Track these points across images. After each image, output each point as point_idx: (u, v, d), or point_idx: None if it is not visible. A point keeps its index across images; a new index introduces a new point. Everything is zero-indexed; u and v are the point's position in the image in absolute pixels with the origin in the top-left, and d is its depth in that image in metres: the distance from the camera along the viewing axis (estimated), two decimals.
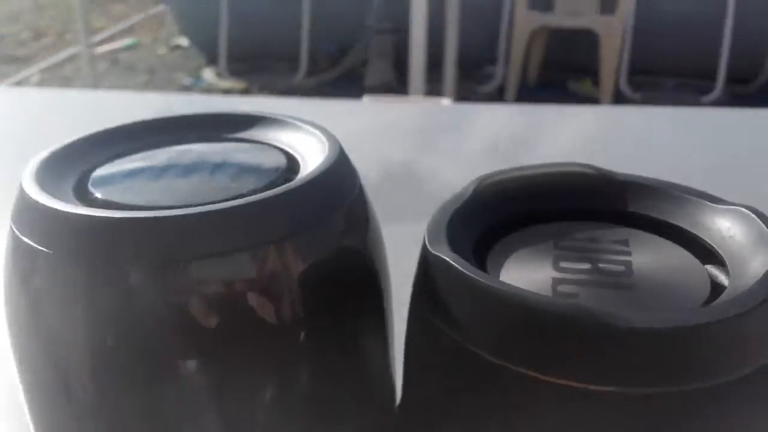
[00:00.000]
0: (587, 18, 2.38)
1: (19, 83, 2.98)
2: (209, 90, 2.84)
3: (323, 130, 0.20)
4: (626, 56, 2.42)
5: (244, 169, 0.19)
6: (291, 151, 0.21)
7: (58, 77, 3.15)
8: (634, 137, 0.62)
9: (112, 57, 3.39)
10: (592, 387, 0.14)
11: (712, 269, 0.18)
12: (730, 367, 0.15)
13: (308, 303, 0.18)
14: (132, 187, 0.19)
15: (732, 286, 0.17)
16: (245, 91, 2.74)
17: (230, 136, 0.22)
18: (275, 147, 0.21)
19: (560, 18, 2.41)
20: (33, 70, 3.20)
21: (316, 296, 0.18)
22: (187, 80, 3.03)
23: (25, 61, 3.36)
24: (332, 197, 0.18)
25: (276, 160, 0.20)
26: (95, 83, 2.71)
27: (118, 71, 3.21)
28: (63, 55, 3.39)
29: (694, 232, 0.19)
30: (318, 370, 0.19)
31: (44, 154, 0.20)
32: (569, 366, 0.15)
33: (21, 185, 0.18)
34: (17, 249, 0.18)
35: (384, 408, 0.21)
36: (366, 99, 0.77)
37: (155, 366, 0.17)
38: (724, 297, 0.16)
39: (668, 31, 2.39)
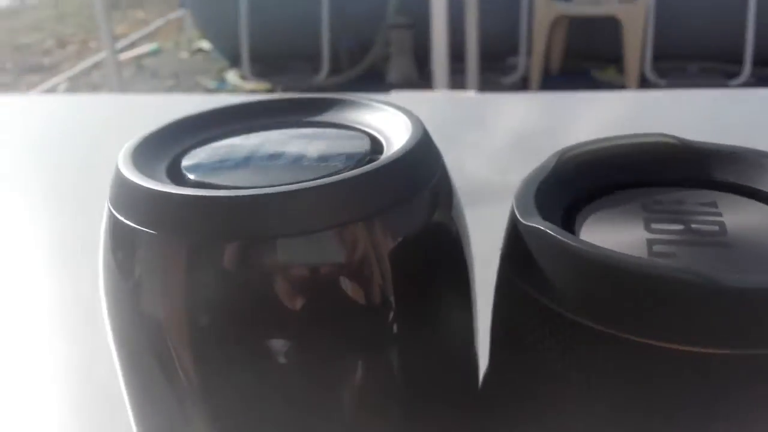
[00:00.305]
0: (608, 5, 2.36)
1: (47, 91, 3.02)
2: (234, 92, 2.86)
3: (406, 112, 0.21)
4: (650, 42, 2.40)
5: (331, 151, 0.20)
6: (374, 133, 0.21)
7: (85, 84, 3.19)
8: (663, 122, 0.62)
9: (137, 63, 3.42)
10: (701, 350, 0.14)
11: None
12: None
13: (397, 280, 0.18)
14: (223, 169, 0.19)
15: None
16: (269, 92, 2.75)
17: (314, 119, 0.22)
18: (358, 129, 0.21)
19: (581, 6, 2.39)
20: (60, 78, 3.24)
21: (405, 273, 0.18)
22: (211, 83, 3.05)
23: (51, 69, 3.40)
24: (418, 176, 0.19)
25: (360, 142, 0.20)
26: (122, 89, 2.74)
27: (143, 77, 3.25)
28: (89, 62, 3.43)
29: None
30: (406, 348, 0.19)
31: (136, 139, 0.20)
32: (676, 329, 0.15)
33: (117, 168, 0.19)
34: (116, 230, 0.18)
35: (468, 386, 0.22)
36: (394, 93, 0.78)
37: (253, 344, 0.18)
38: None
39: (691, 15, 2.36)
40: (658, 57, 2.43)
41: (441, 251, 0.20)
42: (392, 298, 0.18)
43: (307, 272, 0.17)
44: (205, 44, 3.38)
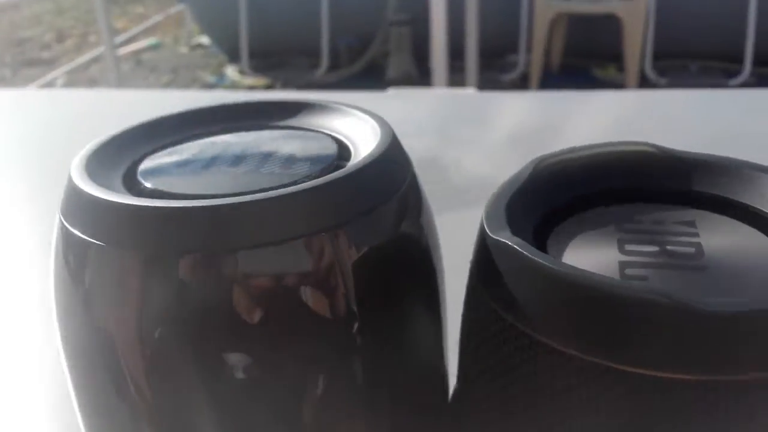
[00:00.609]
0: (609, 3, 2.35)
1: (45, 85, 3.01)
2: (233, 87, 2.86)
3: (375, 116, 0.20)
4: (650, 40, 2.39)
5: (295, 157, 0.19)
6: (341, 138, 0.20)
7: (83, 79, 3.18)
8: (663, 121, 0.61)
9: (136, 58, 3.41)
10: (670, 375, 0.14)
11: None
12: None
13: (363, 290, 0.17)
14: (182, 176, 0.19)
15: None
16: (268, 88, 2.75)
17: (279, 123, 0.21)
18: (325, 134, 0.21)
19: (581, 4, 2.38)
20: (58, 72, 3.23)
21: (371, 285, 0.18)
22: (210, 78, 3.04)
23: (50, 63, 3.39)
24: (386, 183, 0.18)
25: (327, 147, 0.19)
26: (120, 84, 2.73)
27: (142, 71, 3.24)
28: (87, 56, 3.42)
29: (764, 209, 0.18)
30: (371, 360, 0.18)
31: (92, 145, 0.19)
32: (645, 353, 0.14)
33: (70, 177, 0.18)
34: (67, 242, 0.18)
35: (437, 398, 0.21)
36: (391, 90, 0.77)
37: (208, 356, 0.17)
38: None
39: (692, 13, 2.35)
40: (658, 55, 2.42)
41: (408, 261, 0.19)
42: (357, 311, 0.18)
43: (267, 286, 0.17)
44: (205, 39, 3.37)
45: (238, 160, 0.19)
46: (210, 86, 2.94)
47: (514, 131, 0.62)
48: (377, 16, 2.66)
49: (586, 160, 0.19)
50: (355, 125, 0.20)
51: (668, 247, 0.17)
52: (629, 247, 0.17)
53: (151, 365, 0.17)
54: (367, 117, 0.20)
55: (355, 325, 0.18)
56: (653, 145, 0.20)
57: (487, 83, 2.44)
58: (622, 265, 0.16)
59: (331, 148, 0.19)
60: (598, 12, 2.37)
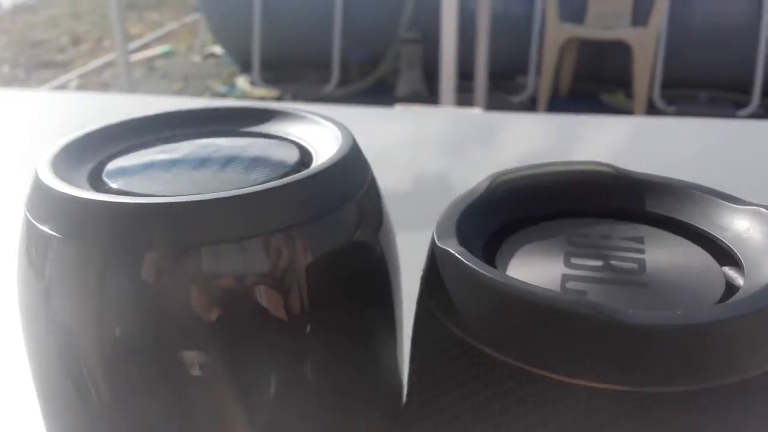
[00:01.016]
0: (619, 30, 2.36)
1: (58, 88, 3.04)
2: (243, 97, 2.87)
3: (337, 123, 0.21)
4: (659, 68, 2.40)
5: (257, 161, 0.19)
6: (305, 144, 0.21)
7: (96, 83, 3.21)
8: (668, 148, 0.61)
9: (149, 64, 3.44)
10: (598, 385, 0.14)
11: (728, 270, 0.17)
12: (739, 367, 0.14)
13: (317, 293, 0.18)
14: (145, 177, 0.19)
15: (746, 286, 0.16)
16: (278, 99, 2.76)
17: (245, 129, 0.22)
18: (289, 140, 0.21)
19: (592, 30, 2.40)
20: (72, 75, 3.26)
21: (326, 285, 0.18)
22: (221, 88, 3.06)
23: (64, 66, 3.43)
24: (343, 188, 0.19)
25: (289, 153, 0.20)
26: (131, 89, 2.75)
27: (154, 78, 3.27)
28: (101, 61, 3.45)
29: (711, 232, 0.19)
30: (323, 365, 0.19)
31: (60, 143, 0.20)
32: (573, 363, 0.14)
33: (36, 172, 0.18)
34: (31, 236, 0.18)
35: (391, 404, 0.21)
36: (398, 107, 0.77)
37: (167, 354, 0.17)
38: (736, 297, 0.16)
39: (702, 43, 2.36)
40: (667, 83, 2.43)
41: (364, 266, 0.19)
42: (310, 312, 0.18)
43: (224, 284, 0.17)
44: (217, 49, 3.40)
45: (201, 163, 0.20)
46: (220, 95, 2.96)
47: (519, 152, 0.62)
48: (389, 33, 2.68)
49: (542, 177, 0.20)
50: (318, 132, 0.21)
51: (612, 262, 0.17)
52: (575, 261, 0.17)
53: (107, 361, 0.18)
54: (329, 124, 0.21)
55: (308, 327, 0.18)
56: (609, 165, 0.20)
57: (496, 104, 2.45)
58: (565, 278, 0.17)
59: (293, 154, 0.20)
60: (608, 38, 2.38)
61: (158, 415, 0.18)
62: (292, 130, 0.21)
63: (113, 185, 0.19)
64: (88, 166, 0.20)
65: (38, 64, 3.47)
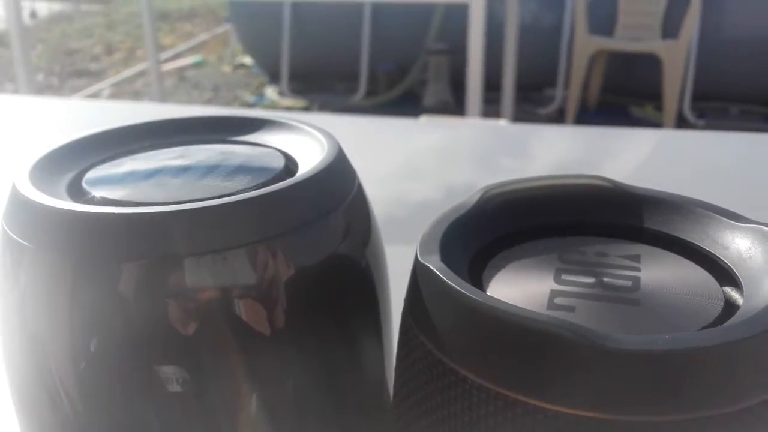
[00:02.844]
0: (650, 42, 2.33)
1: (91, 96, 3.09)
2: (271, 107, 2.89)
3: (323, 132, 0.20)
4: (690, 81, 2.36)
5: (240, 170, 0.19)
6: (290, 153, 0.20)
7: (128, 92, 3.25)
8: (698, 162, 0.60)
9: (180, 74, 3.49)
10: (580, 413, 0.13)
11: (728, 290, 0.17)
12: (726, 398, 0.13)
13: (299, 305, 0.17)
14: (126, 186, 0.19)
15: (744, 309, 0.16)
16: (305, 110, 2.78)
17: (230, 138, 0.22)
18: (273, 149, 0.21)
19: (621, 42, 2.37)
20: (104, 84, 3.31)
21: (309, 298, 0.18)
22: (250, 98, 3.09)
23: (97, 75, 3.48)
24: (328, 197, 0.18)
25: (273, 162, 0.20)
26: (162, 98, 2.79)
27: (185, 87, 3.30)
28: (133, 70, 3.50)
29: (711, 251, 0.18)
30: (308, 377, 0.18)
31: (40, 153, 0.20)
32: (553, 389, 0.13)
33: (13, 183, 0.18)
34: (7, 246, 0.18)
35: (376, 422, 0.21)
36: (423, 118, 0.77)
37: (143, 368, 0.17)
38: (731, 320, 0.15)
39: (734, 56, 2.32)
40: (697, 96, 2.39)
41: (350, 275, 0.19)
42: (293, 323, 0.17)
43: (201, 295, 0.17)
44: (247, 60, 3.43)
45: (182, 172, 0.19)
46: (249, 105, 2.98)
47: (545, 164, 0.61)
48: (417, 44, 2.68)
49: (536, 191, 0.19)
50: (304, 141, 0.20)
51: (605, 279, 0.17)
52: (566, 277, 0.17)
53: (82, 374, 0.17)
54: (316, 133, 0.20)
55: (290, 341, 0.18)
56: (606, 179, 0.19)
57: (523, 116, 2.44)
58: (553, 294, 0.16)
59: (277, 163, 0.19)
60: (638, 51, 2.35)
61: (133, 429, 0.18)
62: (278, 139, 0.21)
63: (92, 194, 0.18)
64: (69, 176, 0.19)
65: (72, 72, 3.54)
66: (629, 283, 0.16)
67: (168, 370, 0.17)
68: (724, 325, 0.14)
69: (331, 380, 0.19)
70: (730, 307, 0.16)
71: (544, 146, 0.67)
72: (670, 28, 2.31)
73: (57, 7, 4.72)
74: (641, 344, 0.13)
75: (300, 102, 2.88)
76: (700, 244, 0.18)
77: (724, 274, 0.17)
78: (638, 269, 0.17)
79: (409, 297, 0.17)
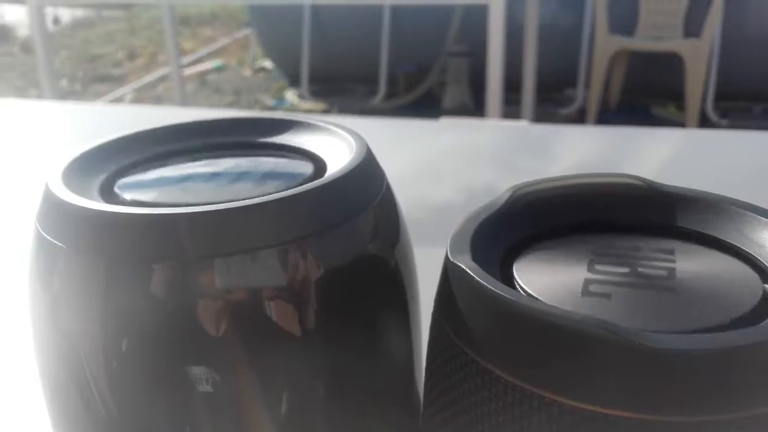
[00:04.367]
0: (671, 41, 2.31)
1: (113, 101, 3.12)
2: (291, 110, 2.91)
3: (352, 133, 0.20)
4: (713, 80, 2.34)
5: (270, 172, 0.19)
6: (318, 154, 0.20)
7: (150, 96, 3.28)
8: (721, 162, 0.59)
9: (201, 78, 3.51)
10: (616, 413, 0.13)
11: (766, 286, 0.16)
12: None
13: (329, 305, 0.17)
14: (157, 189, 0.19)
15: None
16: (325, 112, 2.79)
17: (260, 140, 0.22)
18: (303, 151, 0.21)
19: (643, 41, 2.35)
20: (127, 89, 3.34)
21: (338, 298, 0.18)
22: (270, 101, 3.11)
23: (120, 80, 3.52)
24: (356, 198, 0.18)
25: (303, 163, 0.20)
26: (184, 102, 2.81)
27: (206, 92, 3.33)
28: (154, 75, 3.53)
29: (746, 249, 0.18)
30: (338, 378, 0.18)
31: (73, 154, 0.20)
32: (588, 389, 0.13)
33: (46, 184, 0.18)
34: (40, 247, 0.18)
35: (407, 424, 0.21)
36: (443, 120, 0.77)
37: (175, 368, 0.17)
38: None
39: (757, 55, 2.29)
40: (720, 96, 2.36)
41: (378, 277, 0.19)
42: (324, 323, 0.17)
43: (233, 296, 0.17)
44: (268, 63, 3.45)
45: (214, 175, 0.19)
46: (270, 109, 3.00)
47: (566, 164, 0.61)
48: (436, 46, 2.68)
49: (567, 190, 0.19)
50: (333, 142, 0.20)
51: (640, 269, 0.16)
52: (599, 267, 0.16)
53: (115, 374, 0.17)
54: (344, 134, 0.20)
55: (321, 341, 0.18)
56: (638, 178, 0.19)
57: (544, 117, 2.43)
58: (587, 283, 0.16)
59: (307, 164, 0.19)
60: (660, 50, 2.33)
61: (163, 428, 0.18)
62: (307, 141, 0.21)
63: (124, 197, 0.18)
64: (101, 178, 0.20)
65: (95, 77, 3.58)
66: (664, 273, 0.16)
67: (198, 370, 0.17)
68: (765, 323, 0.14)
69: (360, 381, 0.19)
70: (766, 300, 0.16)
71: (566, 147, 0.67)
72: (692, 27, 2.28)
73: (79, 13, 4.77)
74: (681, 344, 0.13)
75: (320, 105, 2.89)
76: (734, 242, 0.18)
77: (760, 271, 0.17)
78: (673, 261, 0.17)
79: (440, 297, 0.17)
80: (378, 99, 2.80)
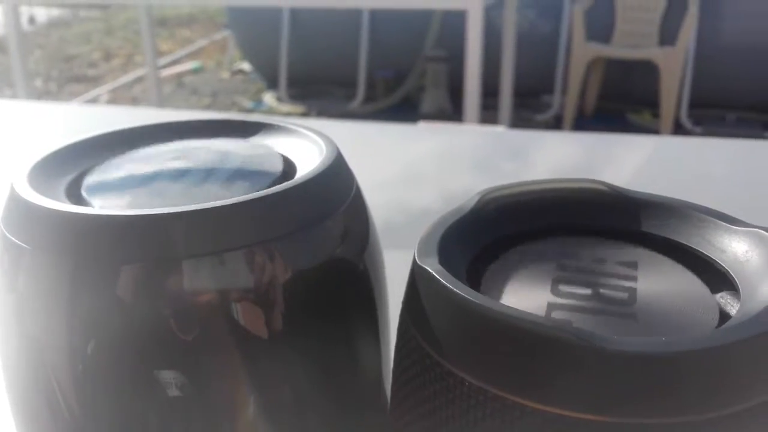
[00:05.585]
0: (647, 49, 2.34)
1: (89, 101, 3.09)
2: (269, 113, 2.90)
3: (321, 135, 0.20)
4: (687, 88, 2.37)
5: (238, 174, 0.19)
6: (289, 156, 0.20)
7: (126, 97, 3.25)
8: (694, 169, 0.60)
9: (178, 80, 3.49)
10: (578, 415, 0.13)
11: (722, 298, 0.17)
12: (724, 400, 0.13)
13: (300, 305, 0.17)
14: (124, 188, 0.19)
15: (741, 312, 0.16)
16: (304, 116, 2.78)
17: (230, 141, 0.22)
18: (272, 152, 0.21)
19: (618, 49, 2.38)
20: (103, 90, 3.31)
21: (310, 297, 0.18)
22: (248, 104, 3.09)
23: (95, 80, 3.48)
24: (326, 201, 0.18)
25: (272, 165, 0.20)
26: (161, 104, 2.79)
27: (183, 93, 3.31)
28: (131, 76, 3.50)
29: (708, 255, 0.18)
30: (306, 381, 0.18)
31: (38, 156, 0.20)
32: (551, 391, 0.13)
33: (11, 185, 0.18)
34: (5, 249, 0.18)
35: (375, 421, 0.21)
36: (421, 124, 0.77)
37: (141, 371, 0.17)
38: (728, 323, 0.15)
39: (731, 63, 2.33)
40: (694, 104, 2.40)
41: (346, 283, 0.19)
42: (288, 330, 0.17)
43: (199, 298, 0.17)
44: (246, 66, 3.44)
45: (181, 175, 0.19)
46: (247, 111, 2.98)
47: (543, 170, 0.62)
48: (415, 50, 2.69)
49: (534, 194, 0.19)
50: (302, 144, 0.20)
51: (601, 291, 0.16)
52: (562, 288, 0.17)
53: (79, 377, 0.17)
54: (314, 136, 0.20)
55: (288, 344, 0.18)
56: (604, 183, 0.19)
57: (521, 123, 2.44)
58: (551, 308, 0.16)
59: (276, 166, 0.19)
60: (635, 58, 2.36)
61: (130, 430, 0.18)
62: (276, 142, 0.21)
63: (90, 196, 0.18)
64: (67, 179, 0.19)
65: (70, 78, 3.54)
66: (625, 296, 0.16)
67: (164, 373, 0.17)
68: (721, 327, 0.15)
69: (329, 383, 0.19)
70: (724, 315, 0.16)
71: (541, 152, 0.67)
72: (667, 36, 2.31)
73: (55, 12, 4.72)
74: (639, 346, 0.13)
75: (298, 108, 2.88)
76: (697, 248, 0.18)
77: (720, 278, 0.17)
78: (635, 278, 0.17)
79: (407, 300, 0.17)
80: (356, 103, 2.80)
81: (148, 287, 0.16)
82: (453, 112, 2.64)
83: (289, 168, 0.19)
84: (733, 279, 0.17)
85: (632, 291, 0.17)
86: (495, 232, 0.19)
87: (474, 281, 0.17)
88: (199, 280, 0.17)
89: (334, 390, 0.19)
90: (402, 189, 0.53)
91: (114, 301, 0.16)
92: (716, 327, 0.15)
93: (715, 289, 0.17)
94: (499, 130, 0.83)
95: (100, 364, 0.17)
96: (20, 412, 0.19)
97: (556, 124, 2.57)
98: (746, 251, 0.17)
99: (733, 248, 0.18)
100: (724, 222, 0.18)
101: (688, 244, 0.18)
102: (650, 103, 2.43)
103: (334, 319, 0.18)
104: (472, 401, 0.14)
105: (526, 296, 0.16)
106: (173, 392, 0.17)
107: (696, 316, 0.16)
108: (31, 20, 4.45)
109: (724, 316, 0.16)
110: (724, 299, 0.17)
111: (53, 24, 4.59)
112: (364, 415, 0.20)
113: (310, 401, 0.18)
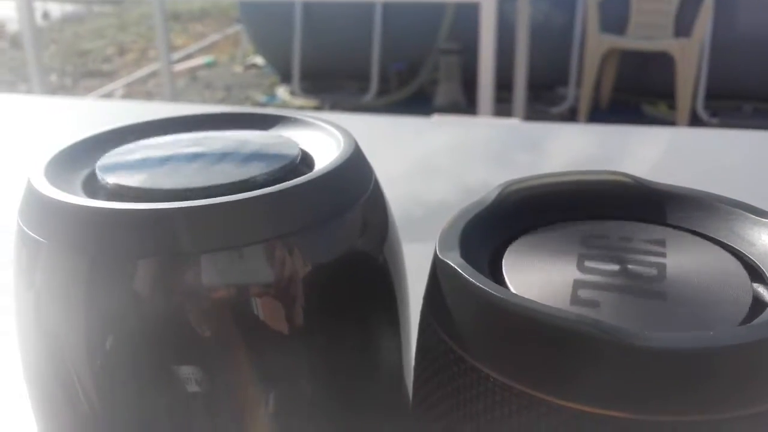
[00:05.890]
0: (662, 41, 2.32)
1: (104, 96, 3.10)
2: (283, 107, 2.90)
3: (339, 128, 0.20)
4: (703, 79, 2.34)
5: (258, 164, 0.19)
6: (307, 149, 0.20)
7: (140, 92, 3.26)
8: (711, 160, 0.59)
9: (192, 74, 3.49)
10: (603, 412, 0.13)
11: (756, 286, 0.16)
12: (754, 397, 0.13)
13: (319, 299, 0.17)
14: (143, 184, 0.19)
15: None
16: (317, 109, 2.78)
17: (248, 134, 0.21)
18: (291, 145, 0.20)
19: (633, 41, 2.36)
20: (117, 85, 3.33)
21: (329, 291, 0.18)
22: (261, 98, 3.10)
23: (110, 75, 3.50)
24: (345, 193, 0.18)
25: (290, 157, 0.19)
26: (175, 98, 2.80)
27: (197, 88, 3.31)
28: (145, 71, 3.51)
29: (737, 247, 0.17)
30: (326, 376, 0.18)
31: (55, 150, 0.19)
32: (576, 387, 0.13)
33: (28, 180, 0.18)
34: (22, 243, 0.18)
35: (397, 421, 0.20)
36: (435, 117, 0.77)
37: (158, 365, 0.17)
38: (760, 318, 0.15)
39: (747, 54, 2.30)
40: (710, 95, 2.37)
41: (366, 276, 0.19)
42: (307, 324, 0.17)
43: (217, 292, 0.17)
44: (259, 60, 3.44)
45: (200, 170, 0.19)
46: (260, 105, 2.99)
47: (557, 162, 0.61)
48: (428, 43, 2.68)
49: (556, 187, 0.19)
50: (321, 138, 0.20)
51: (629, 267, 0.16)
52: (589, 264, 0.16)
53: (97, 371, 0.17)
54: (333, 130, 0.20)
55: (308, 335, 0.17)
56: (627, 175, 0.19)
57: (535, 115, 2.43)
58: (577, 285, 0.15)
59: (294, 159, 0.19)
60: (651, 49, 2.34)
61: (149, 426, 0.17)
62: (294, 135, 0.21)
63: (109, 192, 0.18)
64: (84, 173, 0.19)
65: (85, 73, 3.55)
66: (654, 272, 0.16)
67: (183, 367, 0.17)
68: (753, 323, 0.14)
69: (349, 378, 0.18)
70: (758, 302, 0.15)
71: (557, 144, 0.67)
72: (682, 27, 2.29)
73: (69, 8, 4.74)
74: (668, 342, 0.13)
75: (311, 101, 2.88)
76: (725, 241, 0.18)
77: (750, 270, 0.17)
78: (663, 254, 0.17)
79: (429, 294, 0.17)
80: (370, 96, 2.79)
81: (166, 281, 0.16)
82: (466, 105, 2.63)
83: (307, 161, 0.19)
84: (764, 272, 0.17)
85: (661, 267, 0.16)
86: (516, 225, 0.18)
87: (497, 273, 0.17)
88: (216, 274, 0.16)
89: (355, 385, 0.19)
90: (418, 182, 0.53)
91: (131, 295, 0.16)
92: (747, 314, 0.15)
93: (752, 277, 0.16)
94: (514, 122, 0.83)
95: (117, 358, 0.17)
96: (39, 404, 0.19)
97: (570, 116, 2.55)
98: None
99: (763, 241, 0.17)
100: (753, 214, 0.18)
101: (716, 236, 0.18)
102: (666, 94, 2.41)
103: (354, 313, 0.18)
104: (497, 397, 0.14)
105: (550, 277, 0.16)
106: (192, 387, 0.17)
107: (727, 300, 0.15)
108: (45, 15, 4.47)
109: (756, 303, 0.15)
110: (756, 288, 0.16)
111: (67, 19, 4.61)
112: (386, 411, 0.20)
113: (331, 397, 0.18)
